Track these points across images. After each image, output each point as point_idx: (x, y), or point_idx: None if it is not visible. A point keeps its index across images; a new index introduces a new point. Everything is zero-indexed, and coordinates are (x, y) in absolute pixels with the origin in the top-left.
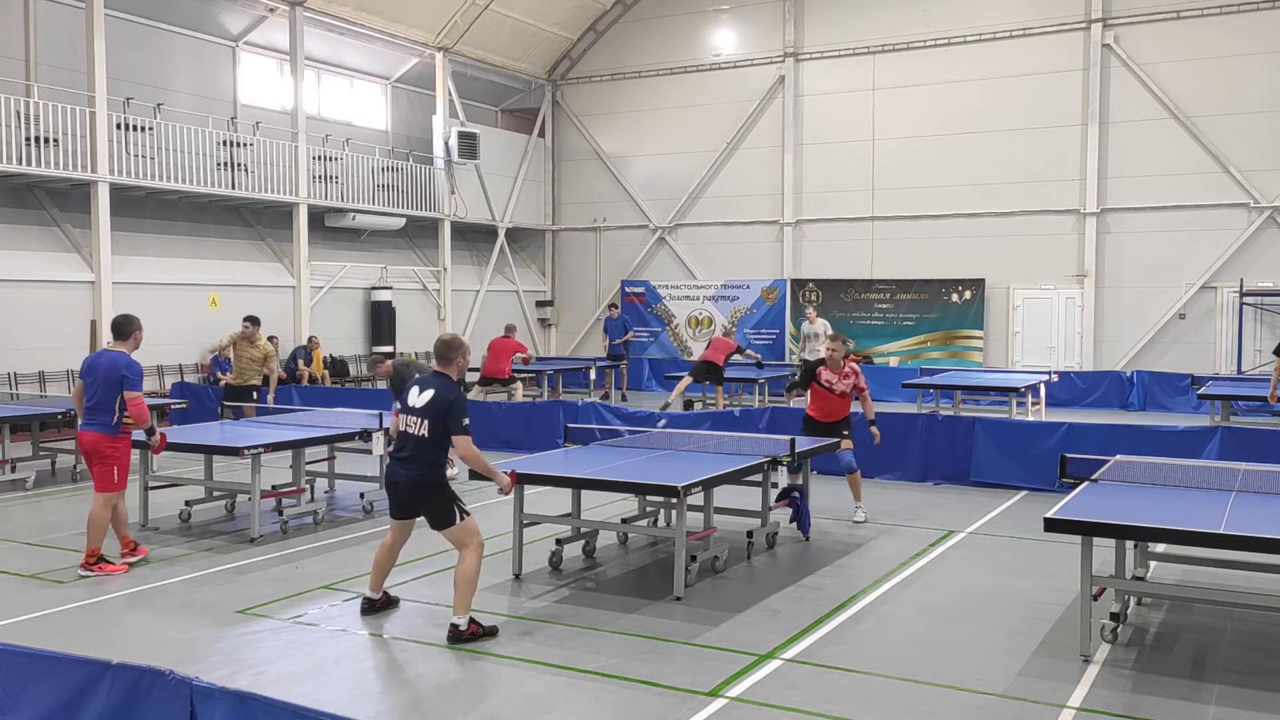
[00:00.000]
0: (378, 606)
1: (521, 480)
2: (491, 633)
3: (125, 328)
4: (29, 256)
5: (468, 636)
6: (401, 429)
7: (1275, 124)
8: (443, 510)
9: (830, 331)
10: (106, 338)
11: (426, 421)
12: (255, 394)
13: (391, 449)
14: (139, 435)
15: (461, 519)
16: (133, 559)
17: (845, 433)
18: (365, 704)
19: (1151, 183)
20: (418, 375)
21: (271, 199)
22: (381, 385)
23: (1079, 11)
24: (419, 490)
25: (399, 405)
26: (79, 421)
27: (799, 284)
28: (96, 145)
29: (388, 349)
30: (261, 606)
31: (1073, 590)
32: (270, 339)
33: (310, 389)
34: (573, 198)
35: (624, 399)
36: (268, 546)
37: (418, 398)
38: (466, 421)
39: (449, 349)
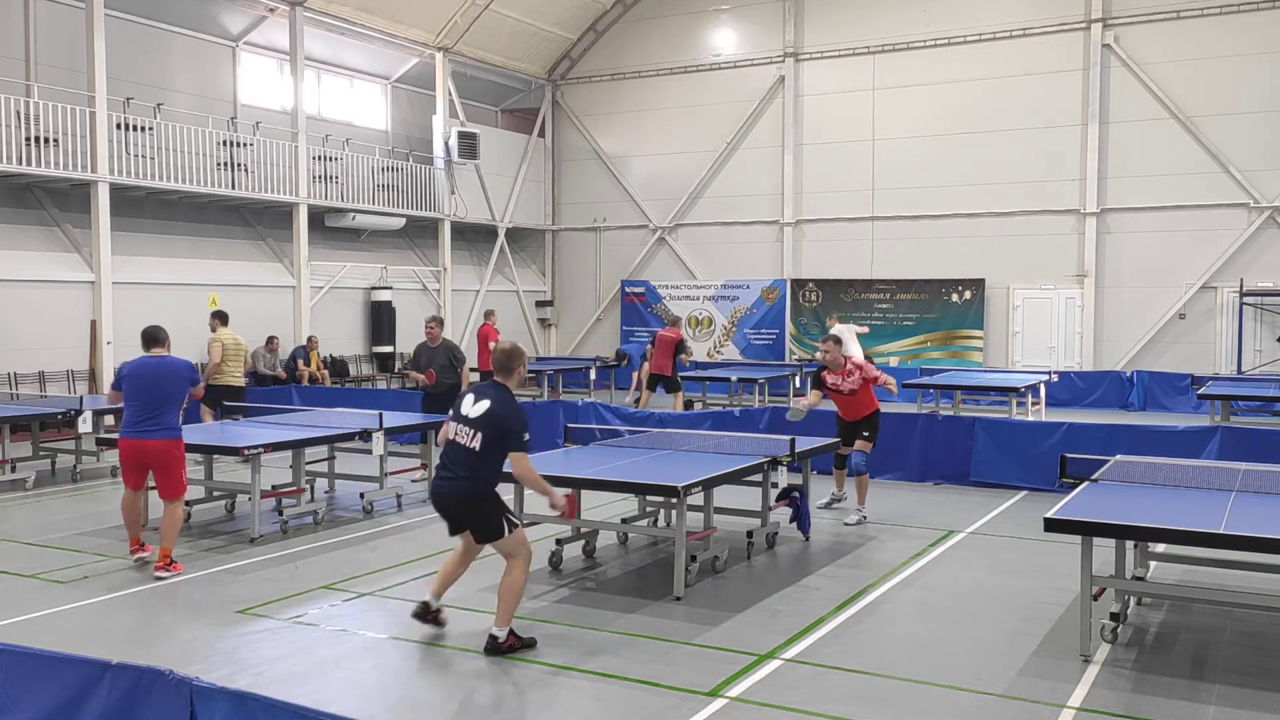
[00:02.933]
0: (430, 617)
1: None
2: (530, 644)
3: (160, 334)
4: (29, 256)
5: (506, 648)
6: (451, 437)
7: (1275, 124)
8: (492, 524)
9: (855, 332)
10: (105, 339)
11: (480, 434)
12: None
13: (438, 460)
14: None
15: (511, 530)
16: (144, 553)
17: (865, 433)
18: (365, 704)
19: (1151, 183)
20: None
21: (271, 199)
22: (380, 385)
23: (1079, 11)
24: (464, 504)
25: (451, 413)
26: (128, 430)
27: (799, 284)
28: (96, 145)
29: (388, 349)
30: (261, 606)
31: (1073, 590)
32: (270, 339)
33: (310, 389)
34: (573, 198)
35: (637, 402)
36: (268, 546)
37: (472, 407)
38: (527, 436)
39: (509, 358)
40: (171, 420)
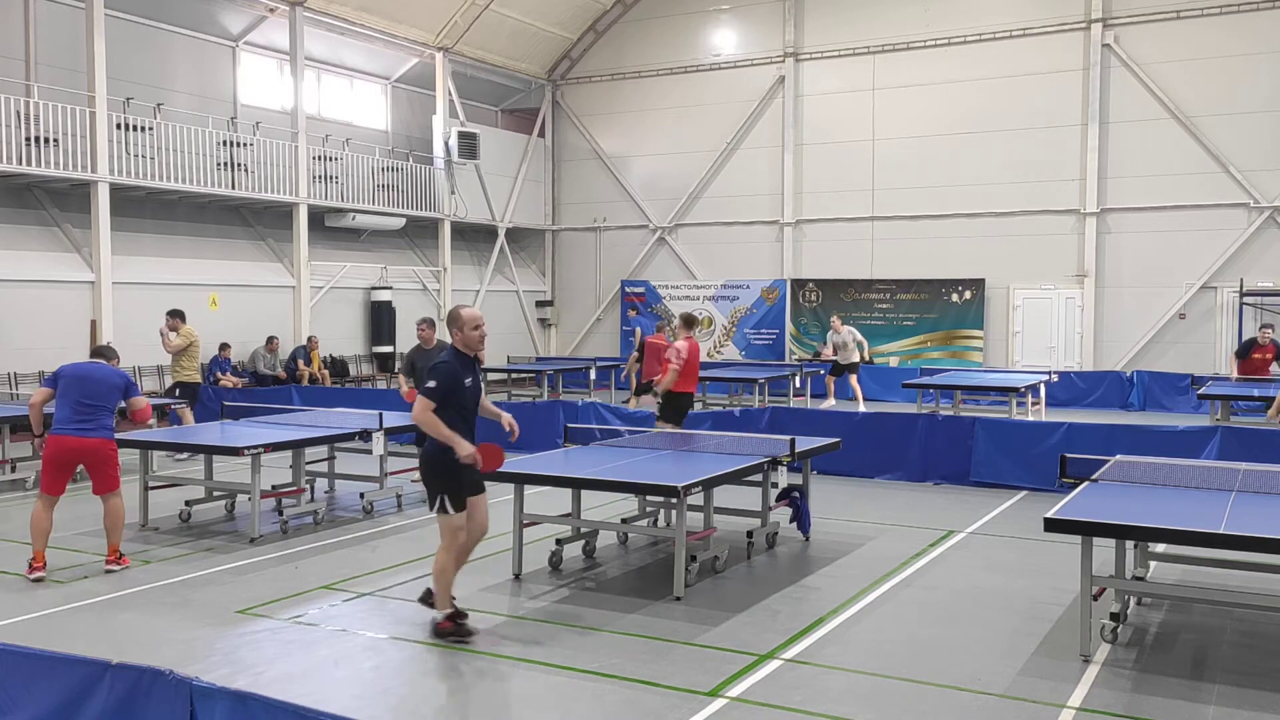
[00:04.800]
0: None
1: (521, 480)
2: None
3: (107, 352)
4: (29, 256)
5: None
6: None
7: (1275, 124)
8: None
9: (858, 338)
10: (106, 338)
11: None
12: (177, 390)
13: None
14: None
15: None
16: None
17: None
18: (365, 704)
19: (1151, 183)
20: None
21: (271, 199)
22: (380, 385)
23: (1079, 11)
24: None
25: (452, 394)
26: (62, 428)
27: (799, 284)
28: (96, 145)
29: (388, 349)
30: (261, 606)
31: (1073, 590)
32: (270, 339)
33: (310, 389)
34: (573, 198)
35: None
36: (268, 546)
37: (475, 379)
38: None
39: (448, 323)
40: (107, 422)
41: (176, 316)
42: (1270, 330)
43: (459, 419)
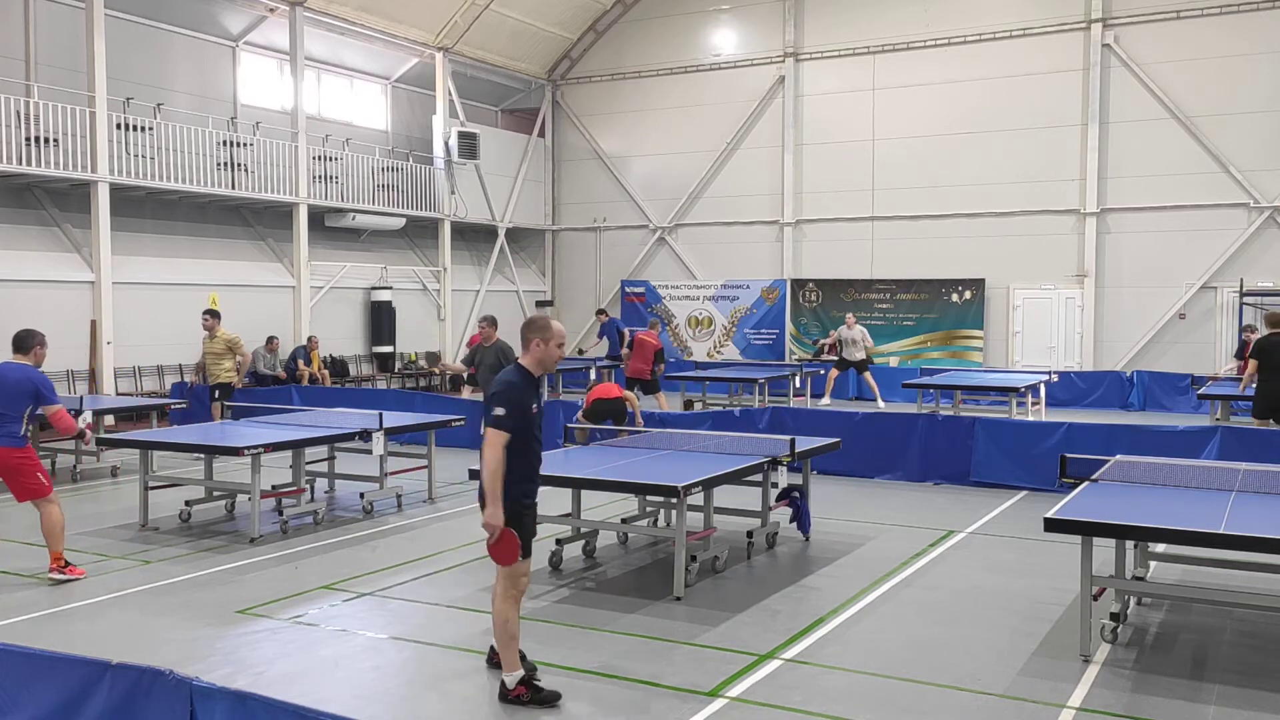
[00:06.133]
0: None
1: None
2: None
3: (27, 341)
4: (29, 256)
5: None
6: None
7: (1275, 124)
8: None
9: (867, 338)
10: (105, 339)
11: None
12: (216, 393)
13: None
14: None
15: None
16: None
17: None
18: (365, 704)
19: (1151, 183)
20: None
21: (271, 199)
22: (381, 384)
23: (1079, 11)
24: None
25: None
26: None
27: (799, 284)
28: (96, 145)
29: (387, 349)
30: (261, 606)
31: (1073, 590)
32: (270, 339)
33: (310, 389)
34: (573, 198)
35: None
36: (268, 546)
37: (540, 405)
38: (499, 411)
39: (527, 328)
40: (13, 429)
41: (214, 317)
42: (1254, 332)
43: (530, 452)
